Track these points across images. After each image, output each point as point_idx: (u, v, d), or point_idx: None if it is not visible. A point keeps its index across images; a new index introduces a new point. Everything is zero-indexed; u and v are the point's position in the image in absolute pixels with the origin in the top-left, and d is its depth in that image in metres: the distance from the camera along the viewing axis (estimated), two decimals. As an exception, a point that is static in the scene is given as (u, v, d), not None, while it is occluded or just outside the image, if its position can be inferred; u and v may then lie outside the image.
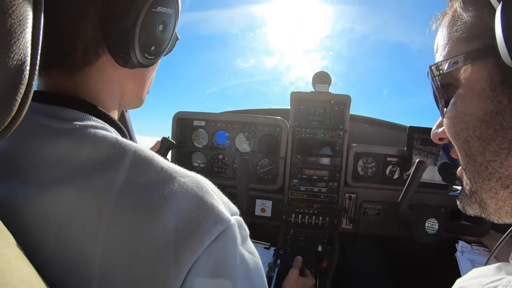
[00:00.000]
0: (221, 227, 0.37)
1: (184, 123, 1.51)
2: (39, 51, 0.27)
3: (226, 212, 0.39)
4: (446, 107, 0.40)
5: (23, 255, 0.28)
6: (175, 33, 0.54)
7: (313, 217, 1.44)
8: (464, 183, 0.41)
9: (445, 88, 0.40)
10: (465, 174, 0.40)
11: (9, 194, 0.34)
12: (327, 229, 1.45)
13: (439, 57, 0.41)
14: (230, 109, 1.69)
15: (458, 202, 0.44)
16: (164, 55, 0.56)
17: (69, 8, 0.39)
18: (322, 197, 1.44)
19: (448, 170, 0.47)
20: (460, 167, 0.43)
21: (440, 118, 0.44)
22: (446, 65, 0.38)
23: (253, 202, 1.45)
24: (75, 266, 0.33)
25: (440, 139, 0.46)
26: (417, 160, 1.24)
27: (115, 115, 0.49)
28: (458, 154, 0.40)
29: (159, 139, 1.29)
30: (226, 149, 1.52)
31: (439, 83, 0.40)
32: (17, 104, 0.25)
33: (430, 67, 0.40)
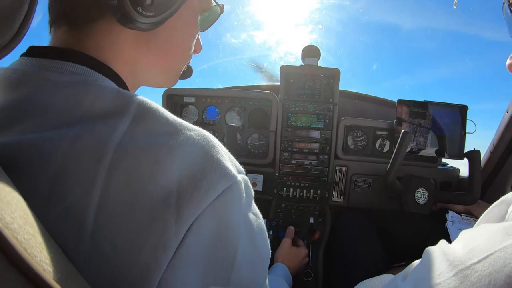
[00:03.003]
0: (227, 182, 0.35)
1: (174, 100, 1.51)
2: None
3: (232, 169, 0.37)
4: None
5: (19, 196, 0.27)
6: (220, 6, 0.51)
7: (304, 190, 1.44)
8: None
9: None
10: None
11: (9, 141, 0.33)
12: (318, 202, 1.46)
13: None
14: (220, 87, 1.69)
15: None
16: (203, 28, 0.52)
17: None
18: (313, 170, 1.44)
19: None
20: None
21: None
22: None
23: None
24: (69, 210, 0.31)
25: None
26: (403, 130, 1.25)
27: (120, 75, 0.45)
28: None
29: None
30: (217, 124, 1.52)
31: None
32: (19, 23, 0.27)
33: None
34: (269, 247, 0.45)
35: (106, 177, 0.31)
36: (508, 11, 0.42)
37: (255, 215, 0.43)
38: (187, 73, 0.56)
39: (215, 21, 0.56)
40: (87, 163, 0.32)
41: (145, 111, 0.36)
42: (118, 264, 0.32)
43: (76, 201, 0.31)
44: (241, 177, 0.38)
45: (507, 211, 0.42)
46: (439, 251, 0.40)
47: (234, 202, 0.37)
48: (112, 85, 0.39)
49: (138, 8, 0.38)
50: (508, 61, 0.48)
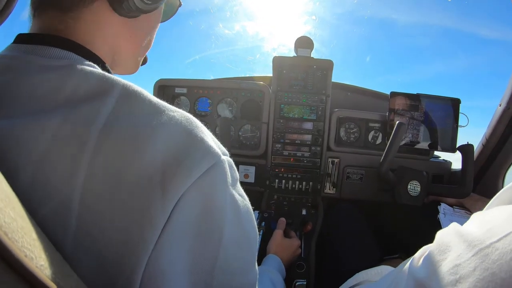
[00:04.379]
0: (211, 160, 0.36)
1: (165, 91, 1.49)
2: None
3: (216, 148, 0.38)
4: None
5: (3, 178, 0.27)
6: None
7: (297, 182, 1.43)
8: None
9: None
10: None
11: None
12: (310, 194, 1.45)
13: None
14: (212, 78, 1.67)
15: None
16: (164, 19, 0.54)
17: None
18: (305, 161, 1.44)
19: None
20: None
21: None
22: None
23: (236, 168, 1.44)
24: (54, 194, 0.31)
25: None
26: (398, 122, 1.25)
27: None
28: None
29: None
30: (209, 116, 1.50)
31: None
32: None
33: None
34: (256, 229, 0.46)
35: (91, 159, 0.32)
36: None
37: (241, 196, 0.43)
38: (144, 61, 0.58)
39: (175, 13, 0.58)
40: (71, 147, 0.32)
41: (129, 93, 0.37)
42: (105, 245, 0.32)
43: (61, 184, 0.31)
44: (225, 157, 0.39)
45: None
46: (454, 232, 0.39)
47: (219, 180, 0.37)
48: (98, 70, 0.40)
49: None
50: None
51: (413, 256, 0.46)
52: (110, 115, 0.34)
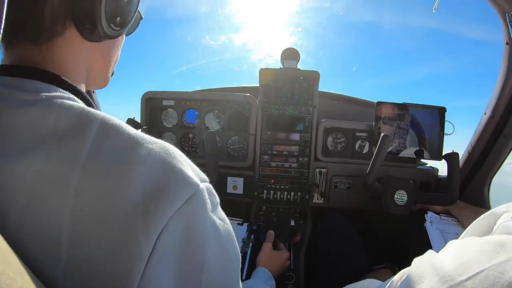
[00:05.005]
0: (190, 190, 0.37)
1: (153, 103, 1.49)
2: (3, 15, 0.27)
3: (195, 177, 0.39)
4: None
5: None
6: (139, 12, 0.55)
7: (285, 192, 1.44)
8: None
9: None
10: None
11: None
12: (299, 204, 1.46)
13: None
14: (199, 89, 1.67)
15: None
16: (128, 33, 0.57)
17: None
18: (293, 172, 1.45)
19: None
20: None
21: None
22: None
23: (224, 180, 1.45)
24: (43, 233, 0.32)
25: None
26: (382, 134, 1.26)
27: (82, 89, 0.48)
28: None
29: (125, 121, 1.27)
30: (196, 127, 1.51)
31: None
32: None
33: None
34: (238, 250, 0.47)
35: (75, 197, 0.33)
36: None
37: (222, 220, 0.44)
38: (111, 74, 0.60)
39: (136, 27, 0.61)
40: (56, 187, 0.33)
41: (107, 127, 0.37)
42: (95, 278, 0.33)
43: (49, 224, 0.32)
44: (204, 185, 0.40)
45: (495, 224, 0.43)
46: (428, 263, 0.41)
47: (199, 208, 0.38)
48: (76, 102, 0.40)
49: (111, 24, 0.46)
50: None
51: (392, 279, 0.48)
52: (91, 152, 0.34)
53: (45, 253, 0.32)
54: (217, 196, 0.44)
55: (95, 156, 0.34)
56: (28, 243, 0.32)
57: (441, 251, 0.43)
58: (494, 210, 0.45)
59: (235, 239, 0.47)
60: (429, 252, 0.46)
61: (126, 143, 0.37)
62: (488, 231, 0.45)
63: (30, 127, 0.35)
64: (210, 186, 0.42)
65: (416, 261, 0.46)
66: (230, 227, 0.46)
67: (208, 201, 0.40)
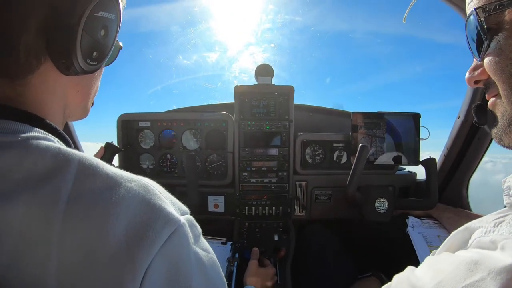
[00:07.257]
0: (171, 227, 0.37)
1: (129, 125, 1.48)
2: None
3: (175, 213, 0.39)
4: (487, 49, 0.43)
5: None
6: (118, 41, 0.54)
7: (266, 207, 1.45)
8: (499, 115, 0.45)
9: (487, 31, 0.43)
10: (506, 105, 0.44)
11: None
12: (281, 218, 1.47)
13: (479, 3, 0.44)
14: (175, 107, 1.67)
15: (493, 133, 0.47)
16: (108, 64, 0.56)
17: (10, 14, 0.38)
18: (273, 187, 1.45)
19: (482, 111, 0.51)
20: (490, 101, 0.47)
21: (475, 62, 0.49)
22: (492, 8, 0.42)
23: (205, 199, 1.44)
24: (30, 282, 0.32)
25: (476, 82, 0.49)
26: (360, 145, 1.27)
27: (59, 125, 0.47)
28: (501, 88, 0.43)
29: (103, 145, 1.25)
30: (174, 148, 1.50)
31: (484, 26, 0.43)
32: None
33: (475, 9, 0.43)
34: (223, 278, 0.48)
35: (60, 242, 0.33)
36: (477, 27, 0.45)
37: (205, 251, 0.45)
38: (91, 104, 0.59)
39: (116, 57, 0.59)
40: (39, 231, 0.33)
41: (86, 168, 0.37)
42: None
43: (36, 270, 0.32)
44: (185, 218, 0.41)
45: (469, 238, 0.45)
46: (407, 281, 0.44)
47: (181, 244, 0.39)
48: (52, 142, 0.40)
49: (87, 60, 0.44)
50: (467, 75, 0.51)
51: None
52: (71, 194, 0.34)
53: None
54: (198, 227, 0.45)
55: (75, 199, 0.34)
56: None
57: (419, 267, 0.45)
58: (468, 225, 0.47)
59: (220, 267, 0.48)
60: (408, 269, 0.48)
61: (106, 183, 0.37)
62: (463, 245, 0.47)
63: (6, 172, 0.35)
64: (191, 218, 0.43)
65: (396, 278, 0.48)
66: (214, 256, 0.47)
67: (190, 234, 0.41)
